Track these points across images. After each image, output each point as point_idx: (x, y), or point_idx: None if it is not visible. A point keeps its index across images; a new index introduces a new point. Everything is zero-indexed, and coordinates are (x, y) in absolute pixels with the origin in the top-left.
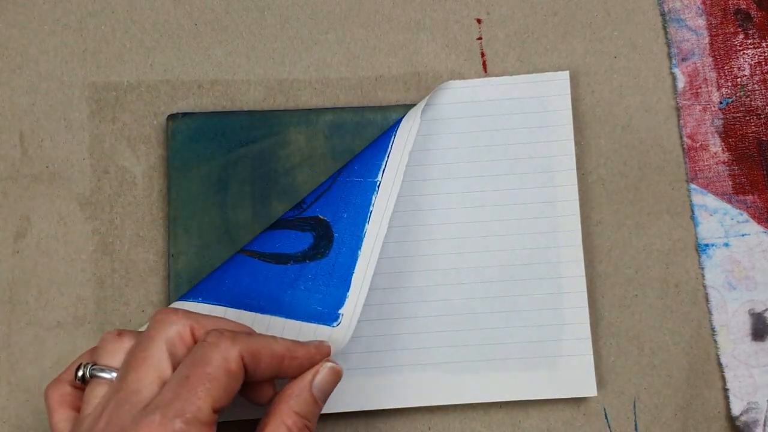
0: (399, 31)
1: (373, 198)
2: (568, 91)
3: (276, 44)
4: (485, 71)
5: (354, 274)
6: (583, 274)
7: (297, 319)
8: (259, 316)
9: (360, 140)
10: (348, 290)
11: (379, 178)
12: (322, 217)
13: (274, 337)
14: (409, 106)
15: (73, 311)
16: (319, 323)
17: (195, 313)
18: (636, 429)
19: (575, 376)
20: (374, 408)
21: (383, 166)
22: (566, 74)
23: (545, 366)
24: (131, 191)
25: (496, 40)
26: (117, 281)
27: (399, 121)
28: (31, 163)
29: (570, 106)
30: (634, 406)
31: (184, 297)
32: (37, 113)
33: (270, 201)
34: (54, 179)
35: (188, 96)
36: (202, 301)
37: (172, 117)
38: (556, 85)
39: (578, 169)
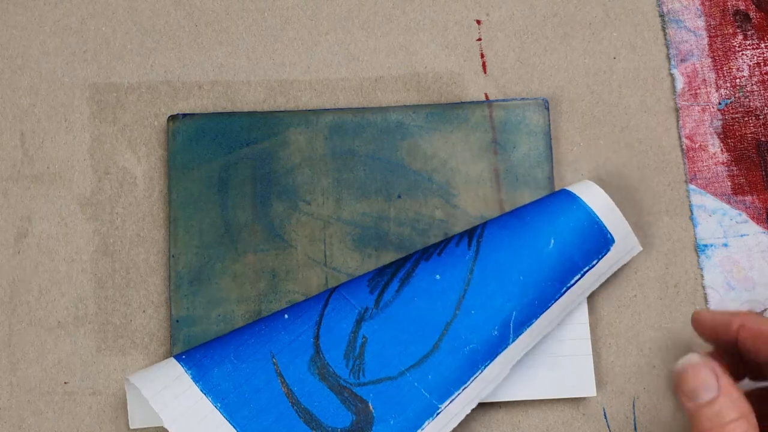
0: (399, 32)
1: (426, 423)
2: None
3: (276, 45)
4: (485, 72)
5: None
6: None
7: None
8: None
9: (360, 141)
10: None
11: (443, 405)
12: (371, 407)
13: None
14: (409, 107)
15: (74, 311)
16: None
17: None
18: (635, 429)
19: (575, 376)
20: None
21: (453, 398)
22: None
23: (545, 366)
24: (132, 192)
25: (495, 41)
26: (117, 282)
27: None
28: (32, 164)
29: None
30: (634, 406)
31: (204, 384)
32: (38, 114)
33: (270, 202)
34: (55, 180)
35: (189, 97)
36: (221, 410)
37: (172, 118)
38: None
39: (578, 169)
